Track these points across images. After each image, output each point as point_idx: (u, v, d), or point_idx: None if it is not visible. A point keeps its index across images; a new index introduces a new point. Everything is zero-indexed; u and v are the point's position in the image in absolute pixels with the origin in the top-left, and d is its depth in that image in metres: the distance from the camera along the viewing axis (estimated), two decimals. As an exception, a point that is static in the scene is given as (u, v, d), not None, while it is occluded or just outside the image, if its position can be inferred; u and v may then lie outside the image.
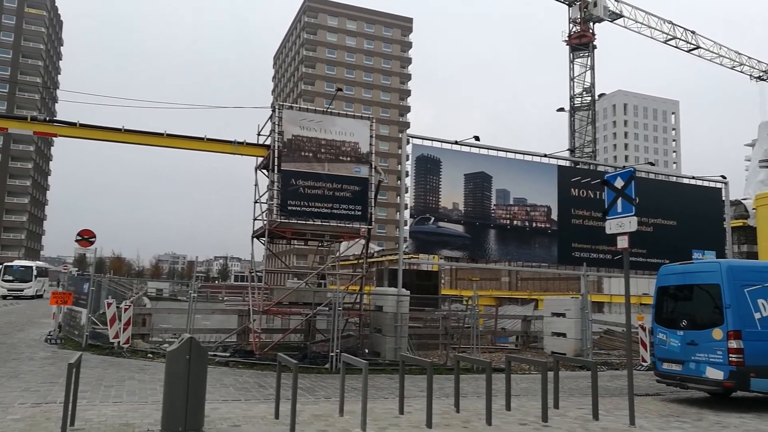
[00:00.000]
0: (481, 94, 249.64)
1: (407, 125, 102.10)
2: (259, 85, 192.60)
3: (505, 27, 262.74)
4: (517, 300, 41.31)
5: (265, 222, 15.94)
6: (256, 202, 16.63)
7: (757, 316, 10.23)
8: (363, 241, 17.31)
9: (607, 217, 9.33)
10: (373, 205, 16.36)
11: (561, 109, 63.00)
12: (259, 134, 17.08)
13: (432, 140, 17.82)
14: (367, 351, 15.73)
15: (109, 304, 15.34)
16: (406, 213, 17.68)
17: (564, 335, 17.70)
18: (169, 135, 16.65)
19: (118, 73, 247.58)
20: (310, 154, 15.81)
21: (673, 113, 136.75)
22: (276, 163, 15.37)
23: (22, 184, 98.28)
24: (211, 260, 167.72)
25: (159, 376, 10.01)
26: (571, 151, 56.64)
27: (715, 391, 10.80)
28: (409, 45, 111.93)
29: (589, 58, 59.74)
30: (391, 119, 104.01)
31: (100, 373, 11.72)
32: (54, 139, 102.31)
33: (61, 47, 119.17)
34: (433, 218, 17.57)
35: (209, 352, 13.52)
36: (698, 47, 59.43)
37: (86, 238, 17.63)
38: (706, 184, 22.11)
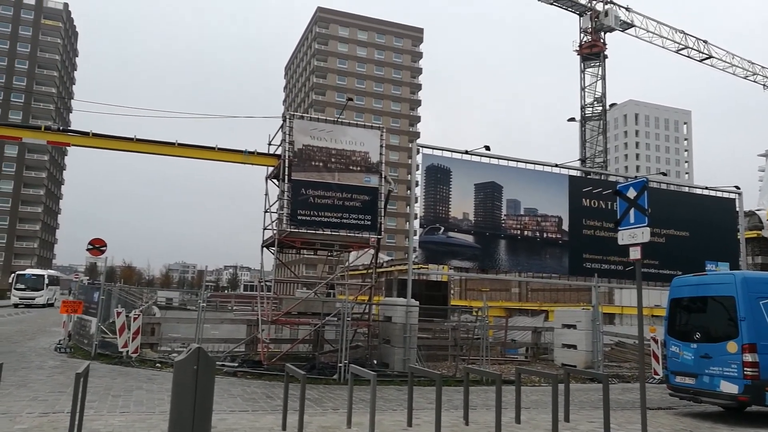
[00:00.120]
0: (490, 104, 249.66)
1: (417, 135, 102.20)
2: (270, 95, 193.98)
3: (514, 35, 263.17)
4: (527, 311, 41.02)
5: (275, 231, 15.95)
6: (266, 211, 16.65)
7: (772, 329, 10.03)
8: (372, 251, 17.26)
9: (620, 228, 9.21)
10: (382, 214, 16.33)
11: (572, 119, 62.77)
12: (269, 144, 17.16)
13: (442, 150, 17.79)
14: (375, 362, 15.63)
15: (118, 313, 15.37)
16: (416, 223, 17.62)
17: (575, 347, 17.50)
18: (180, 144, 16.75)
19: (125, 83, 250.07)
20: (321, 164, 15.83)
21: (685, 123, 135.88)
22: (286, 173, 15.40)
23: (36, 193, 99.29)
24: (221, 269, 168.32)
25: (167, 386, 9.98)
26: (582, 161, 56.37)
27: (729, 406, 10.60)
28: (420, 55, 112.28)
29: (600, 68, 59.57)
30: (402, 129, 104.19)
31: (108, 382, 11.71)
32: (67, 148, 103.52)
33: (76, 58, 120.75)
34: (442, 228, 17.49)
35: (217, 362, 13.51)
36: (710, 57, 59.10)
37: (97, 247, 17.72)
38: (719, 194, 21.86)
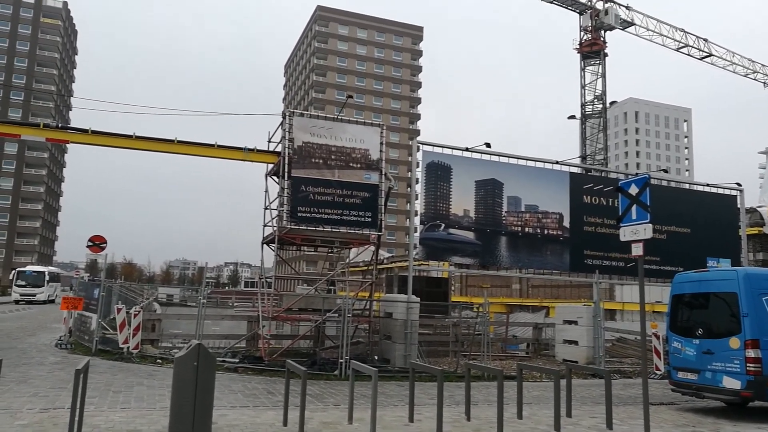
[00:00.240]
0: (490, 104, 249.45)
1: (417, 133, 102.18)
2: (269, 93, 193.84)
3: (514, 36, 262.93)
4: (528, 307, 41.03)
5: (275, 228, 15.92)
6: (266, 208, 16.62)
7: (775, 324, 10.01)
8: (373, 248, 17.23)
9: (621, 225, 9.18)
10: (383, 211, 16.29)
11: (572, 117, 62.70)
12: (269, 141, 17.11)
13: (443, 147, 17.75)
14: (376, 358, 15.62)
15: (119, 310, 15.35)
16: (416, 220, 17.58)
17: (576, 343, 17.48)
18: (179, 141, 16.71)
19: (125, 81, 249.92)
20: (321, 161, 15.79)
21: (685, 121, 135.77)
22: (286, 170, 15.36)
23: (36, 190, 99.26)
24: (222, 266, 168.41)
25: (167, 381, 9.96)
26: (583, 158, 56.36)
27: (731, 401, 10.58)
28: (420, 53, 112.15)
29: (601, 66, 59.46)
30: (401, 127, 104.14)
31: (108, 378, 11.70)
32: (67, 146, 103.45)
33: (76, 56, 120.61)
34: (443, 225, 17.46)
35: (218, 358, 13.49)
36: (711, 55, 59.00)
37: (97, 243, 17.70)
38: (720, 191, 21.83)
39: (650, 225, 8.70)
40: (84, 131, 16.36)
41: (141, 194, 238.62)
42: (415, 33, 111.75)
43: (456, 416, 9.15)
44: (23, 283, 44.99)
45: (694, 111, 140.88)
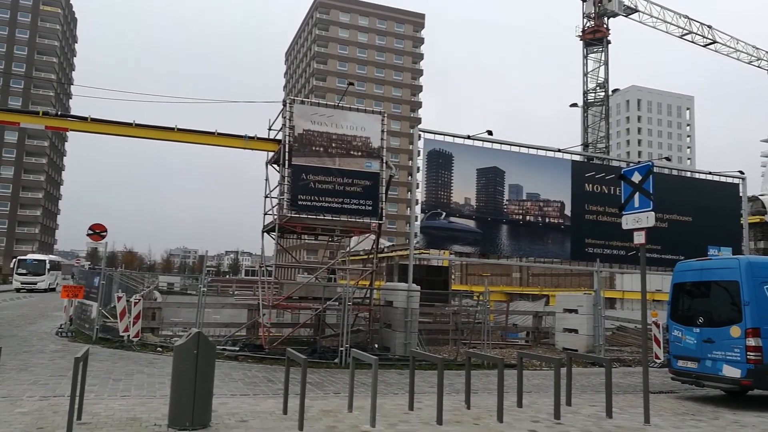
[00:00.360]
0: (490, 102, 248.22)
1: (418, 121, 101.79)
2: (270, 81, 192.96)
3: (514, 26, 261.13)
4: (528, 296, 41.10)
5: (276, 217, 15.88)
6: (266, 196, 16.57)
7: (776, 313, 9.98)
8: (373, 237, 17.19)
9: (624, 213, 9.13)
10: (383, 200, 16.23)
11: (574, 105, 62.38)
12: (270, 129, 17.02)
13: (444, 135, 17.63)
14: (376, 346, 15.64)
15: (119, 298, 15.36)
16: (417, 208, 17.51)
17: (576, 331, 17.49)
18: (179, 129, 16.61)
19: (126, 68, 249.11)
20: (321, 149, 15.71)
21: (687, 109, 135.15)
22: (287, 158, 15.28)
23: (36, 179, 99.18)
24: (222, 255, 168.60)
25: (168, 370, 9.96)
26: (585, 146, 56.14)
27: (731, 390, 10.57)
28: (421, 41, 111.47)
29: (603, 54, 59.04)
30: (403, 115, 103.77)
31: (109, 366, 11.71)
32: (68, 134, 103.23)
33: (76, 44, 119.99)
34: (444, 213, 17.39)
35: (219, 347, 13.51)
36: (715, 42, 58.53)
37: (98, 232, 17.66)
38: (723, 179, 21.72)
39: (653, 213, 8.65)
40: (83, 119, 16.27)
41: (143, 182, 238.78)
42: (416, 20, 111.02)
43: (456, 404, 9.15)
44: (24, 271, 45.09)
45: (697, 99, 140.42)
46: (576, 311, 17.66)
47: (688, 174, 24.03)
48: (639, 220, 8.84)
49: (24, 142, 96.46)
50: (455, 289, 34.27)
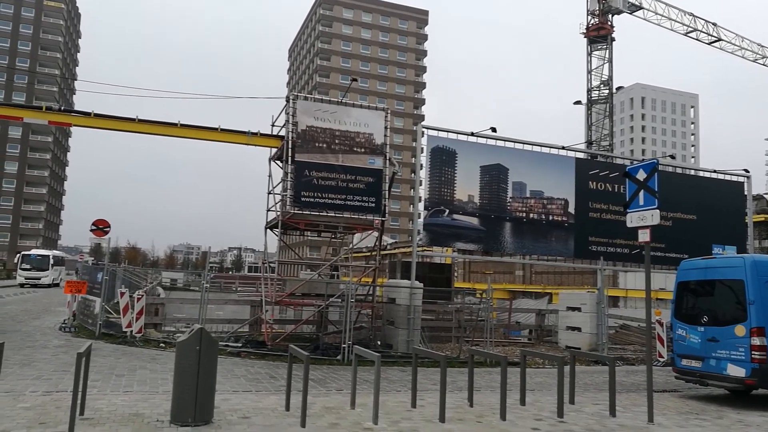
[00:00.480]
0: (486, 91, 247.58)
1: (422, 118, 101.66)
2: (272, 80, 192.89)
3: (516, 20, 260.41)
4: (531, 294, 41.04)
5: (279, 213, 15.85)
6: (269, 193, 16.55)
7: (781, 312, 9.92)
8: (376, 233, 17.17)
9: (629, 210, 9.08)
10: (387, 197, 16.19)
11: (578, 102, 62.23)
12: (273, 125, 16.99)
13: (448, 131, 17.58)
14: (379, 343, 15.62)
15: (122, 294, 15.37)
16: (420, 205, 17.46)
17: (579, 329, 17.45)
18: (183, 125, 16.60)
19: (129, 65, 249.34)
20: (324, 145, 15.67)
21: (692, 107, 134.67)
22: (290, 154, 15.25)
23: (41, 174, 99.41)
24: (226, 251, 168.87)
25: (170, 365, 9.95)
26: (588, 144, 55.99)
27: (735, 389, 10.52)
28: (425, 37, 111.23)
29: (607, 51, 58.86)
30: (406, 112, 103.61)
31: (112, 362, 11.72)
32: (72, 130, 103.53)
33: (79, 39, 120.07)
34: (447, 210, 17.35)
35: (221, 343, 13.50)
36: (720, 39, 58.30)
37: (101, 228, 17.67)
38: (727, 178, 21.63)
39: (657, 211, 8.61)
40: (87, 114, 16.28)
41: (145, 179, 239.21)
42: (420, 17, 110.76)
43: (459, 402, 9.12)
44: (28, 266, 45.21)
45: (702, 97, 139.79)
46: (579, 309, 17.61)
47: (693, 172, 23.93)
48: (644, 217, 8.79)
49: (28, 137, 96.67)
50: (458, 286, 34.25)
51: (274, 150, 16.88)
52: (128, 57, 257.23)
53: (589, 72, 59.79)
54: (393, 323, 15.65)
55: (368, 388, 9.84)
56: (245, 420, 7.42)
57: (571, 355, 10.15)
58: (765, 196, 28.38)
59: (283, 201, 15.63)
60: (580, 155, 20.10)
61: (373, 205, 15.91)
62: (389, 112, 16.91)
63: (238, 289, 41.23)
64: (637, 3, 57.07)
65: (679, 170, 24.13)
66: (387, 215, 16.45)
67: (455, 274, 41.29)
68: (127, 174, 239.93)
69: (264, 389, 9.82)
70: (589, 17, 59.23)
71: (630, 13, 57.68)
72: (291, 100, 15.75)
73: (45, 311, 23.11)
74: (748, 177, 21.44)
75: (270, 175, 16.75)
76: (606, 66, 58.90)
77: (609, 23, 58.49)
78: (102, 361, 11.55)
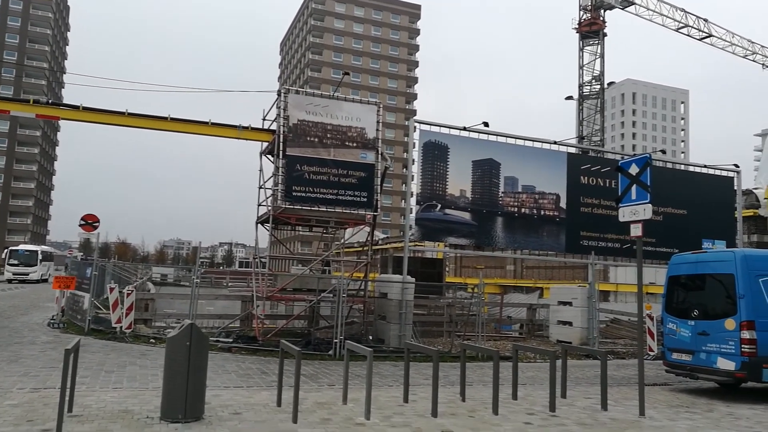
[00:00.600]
0: (478, 87, 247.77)
1: (414, 113, 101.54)
2: (264, 75, 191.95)
3: (508, 16, 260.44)
4: (522, 288, 41.18)
5: (270, 208, 15.76)
6: (260, 187, 16.46)
7: (771, 306, 9.98)
8: (368, 228, 17.11)
9: (621, 205, 9.08)
10: (379, 191, 16.13)
11: (570, 98, 62.36)
12: (264, 119, 16.87)
13: (440, 126, 17.52)
14: (371, 338, 15.59)
15: (111, 289, 15.24)
16: (412, 200, 17.42)
17: (570, 324, 17.51)
18: (173, 119, 16.45)
19: (120, 58, 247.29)
20: (316, 140, 15.57)
21: (682, 102, 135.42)
22: (281, 148, 15.14)
23: (29, 169, 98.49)
24: (216, 246, 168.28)
25: (160, 361, 9.88)
26: (580, 139, 56.17)
27: (725, 382, 10.60)
28: (417, 32, 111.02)
29: (599, 46, 59.02)
30: (398, 107, 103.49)
31: (101, 358, 11.61)
32: (60, 124, 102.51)
33: (68, 32, 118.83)
34: (439, 205, 17.32)
35: (212, 338, 13.42)
36: (710, 35, 58.54)
37: (90, 222, 17.50)
38: (717, 173, 21.73)
39: (650, 205, 8.61)
40: (75, 108, 16.08)
41: (135, 173, 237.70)
42: (412, 11, 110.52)
43: (451, 397, 9.11)
44: (16, 262, 44.79)
45: (692, 92, 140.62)
46: (570, 304, 17.67)
47: (683, 167, 24.03)
48: (636, 212, 8.79)
49: (16, 131, 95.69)
50: (449, 281, 34.28)
51: (266, 144, 16.77)
52: (118, 50, 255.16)
53: (581, 67, 59.95)
54: (385, 318, 15.63)
55: (360, 383, 9.83)
56: (236, 416, 7.37)
57: (562, 350, 10.16)
58: (754, 191, 28.56)
59: (274, 195, 15.53)
60: (572, 150, 20.12)
61: (365, 199, 15.84)
62: (381, 106, 16.83)
63: (229, 284, 41.08)
64: (628, -2, 57.22)
65: (669, 165, 24.21)
66: (379, 210, 16.40)
67: (446, 269, 41.34)
68: (118, 168, 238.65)
69: (255, 385, 9.76)
70: (582, 12, 59.36)
71: (622, 9, 57.84)
72: (282, 94, 15.63)
73: (33, 307, 22.90)
74: (738, 172, 21.55)
75: (261, 170, 16.66)
76: (598, 61, 59.09)
77: (601, 18, 58.65)
78: (91, 357, 11.44)
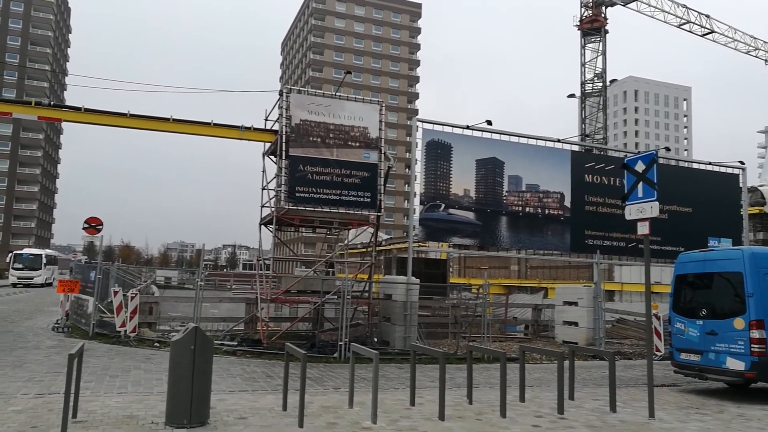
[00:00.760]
0: (479, 87, 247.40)
1: (415, 112, 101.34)
2: (266, 72, 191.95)
3: (509, 16, 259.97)
4: (527, 288, 41.04)
5: (273, 209, 15.68)
6: (263, 188, 16.38)
7: (781, 305, 9.86)
8: (371, 229, 17.02)
9: (627, 203, 8.98)
10: (382, 191, 16.04)
11: (572, 96, 62.18)
12: (266, 119, 16.78)
13: (443, 125, 17.44)
14: (376, 340, 15.52)
15: (115, 293, 15.18)
16: (416, 200, 17.33)
17: (576, 324, 17.39)
18: (175, 120, 16.39)
19: (120, 59, 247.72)
20: (319, 140, 15.49)
21: (685, 99, 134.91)
22: (284, 149, 15.07)
23: (32, 172, 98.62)
24: (220, 248, 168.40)
25: (165, 365, 9.81)
26: (583, 137, 55.97)
27: (734, 382, 10.49)
28: (418, 31, 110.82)
29: (601, 43, 58.78)
30: (400, 106, 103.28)
31: (105, 362, 11.56)
32: (63, 126, 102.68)
33: (70, 34, 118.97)
34: (443, 205, 17.24)
35: (216, 341, 13.36)
36: (713, 31, 58.24)
37: (93, 225, 17.48)
38: (722, 170, 21.60)
39: (657, 203, 8.51)
40: (77, 109, 16.02)
41: (138, 175, 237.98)
42: (413, 10, 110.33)
43: (457, 399, 9.03)
44: (20, 266, 44.85)
45: (695, 89, 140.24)
46: (576, 304, 17.55)
47: (688, 165, 23.89)
48: (643, 210, 8.69)
49: (19, 134, 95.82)
50: (453, 282, 34.18)
51: (268, 145, 16.70)
52: (118, 50, 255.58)
53: (583, 65, 59.71)
54: (389, 320, 15.55)
55: (366, 386, 9.74)
56: (242, 420, 7.30)
57: (570, 351, 10.07)
58: (759, 188, 28.39)
59: (277, 197, 15.45)
60: (576, 148, 20.01)
61: (369, 200, 15.75)
62: (384, 105, 16.74)
63: (233, 286, 41.06)
64: (630, -6, 56.97)
65: (674, 163, 24.08)
66: (382, 210, 16.31)
67: (450, 269, 41.23)
68: (121, 171, 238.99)
69: (260, 389, 9.69)
70: (583, 9, 59.12)
71: (623, 5, 57.56)
72: (284, 94, 15.55)
73: (37, 311, 22.88)
74: (743, 169, 21.42)
75: (264, 171, 16.58)
76: (599, 59, 58.85)
77: (602, 15, 58.40)
78: (95, 361, 11.38)
